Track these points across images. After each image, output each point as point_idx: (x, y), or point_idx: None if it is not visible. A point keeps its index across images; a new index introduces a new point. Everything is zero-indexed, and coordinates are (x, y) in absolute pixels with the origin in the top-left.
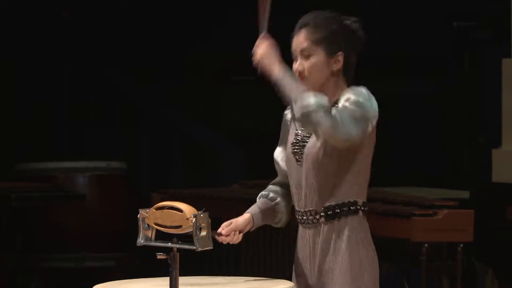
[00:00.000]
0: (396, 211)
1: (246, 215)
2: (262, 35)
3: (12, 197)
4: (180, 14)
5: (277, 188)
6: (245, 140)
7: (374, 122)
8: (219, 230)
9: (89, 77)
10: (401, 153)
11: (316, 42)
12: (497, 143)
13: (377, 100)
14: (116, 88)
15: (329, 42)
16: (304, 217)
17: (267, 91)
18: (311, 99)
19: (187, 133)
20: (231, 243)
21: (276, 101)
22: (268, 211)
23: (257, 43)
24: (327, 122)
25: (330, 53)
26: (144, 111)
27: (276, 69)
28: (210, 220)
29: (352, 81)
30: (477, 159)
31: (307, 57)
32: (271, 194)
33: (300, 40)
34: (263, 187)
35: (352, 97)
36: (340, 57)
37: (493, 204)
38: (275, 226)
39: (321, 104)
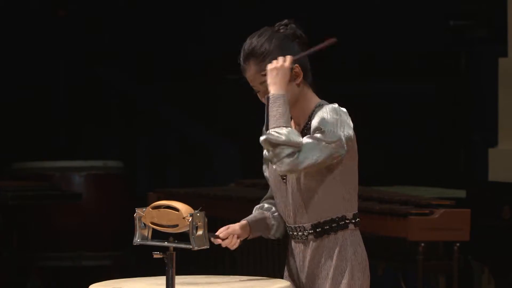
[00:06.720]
0: (393, 210)
1: (243, 222)
2: (293, 57)
3: (8, 196)
4: (177, 14)
5: (270, 201)
6: (241, 139)
7: (351, 133)
8: (217, 233)
9: (85, 76)
10: (397, 152)
11: None
12: (494, 142)
13: (374, 99)
14: (112, 87)
15: None
16: (295, 233)
17: None
18: (284, 134)
19: (184, 132)
20: (229, 247)
21: None
22: (265, 220)
23: (284, 57)
24: (286, 163)
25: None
26: (141, 110)
27: (276, 89)
28: (206, 219)
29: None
30: (473, 158)
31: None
32: (266, 205)
33: (253, 74)
34: (260, 186)
35: (321, 127)
36: (296, 69)
37: (490, 203)
38: (273, 237)
39: (290, 142)
